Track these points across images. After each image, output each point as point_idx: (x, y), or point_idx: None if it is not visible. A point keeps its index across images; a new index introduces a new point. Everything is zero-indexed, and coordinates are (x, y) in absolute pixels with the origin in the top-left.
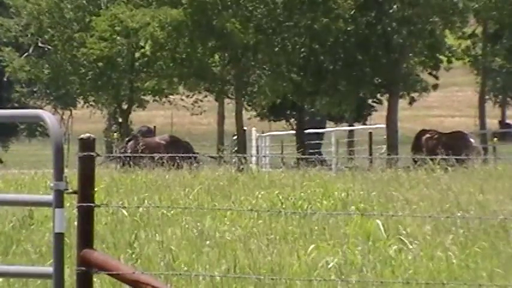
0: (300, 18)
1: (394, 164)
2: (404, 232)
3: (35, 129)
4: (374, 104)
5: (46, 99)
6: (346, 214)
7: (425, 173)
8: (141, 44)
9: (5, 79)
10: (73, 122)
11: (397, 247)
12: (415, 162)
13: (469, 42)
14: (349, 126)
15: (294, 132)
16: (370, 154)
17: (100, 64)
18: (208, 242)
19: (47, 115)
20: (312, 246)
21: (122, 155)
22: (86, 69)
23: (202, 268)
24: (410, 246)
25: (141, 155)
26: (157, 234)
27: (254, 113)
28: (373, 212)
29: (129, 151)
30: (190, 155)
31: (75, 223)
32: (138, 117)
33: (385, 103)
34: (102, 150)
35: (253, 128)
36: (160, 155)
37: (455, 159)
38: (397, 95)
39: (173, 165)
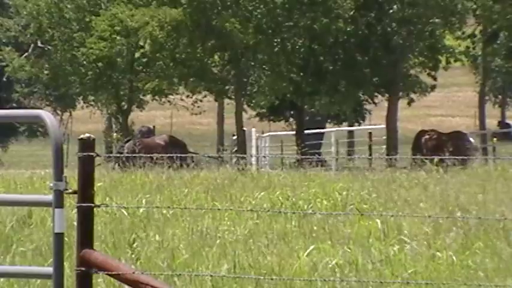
0: (299, 19)
1: (394, 164)
2: (404, 232)
3: (35, 129)
4: (371, 106)
5: (46, 99)
6: (346, 214)
7: (425, 173)
8: (141, 43)
9: (4, 79)
10: (73, 122)
11: (397, 247)
12: (415, 162)
13: (468, 42)
14: (349, 126)
15: (293, 132)
16: (370, 154)
17: (100, 64)
18: (208, 242)
19: (47, 115)
20: (312, 247)
21: (120, 155)
22: (86, 69)
23: (203, 268)
24: (410, 247)
25: (140, 155)
26: (157, 234)
27: (254, 113)
28: (373, 212)
29: (125, 151)
30: (188, 154)
31: (75, 223)
32: (138, 118)
33: (382, 104)
34: (101, 150)
35: (253, 128)
36: (159, 155)
37: (455, 159)
38: (396, 95)
39: (176, 164)
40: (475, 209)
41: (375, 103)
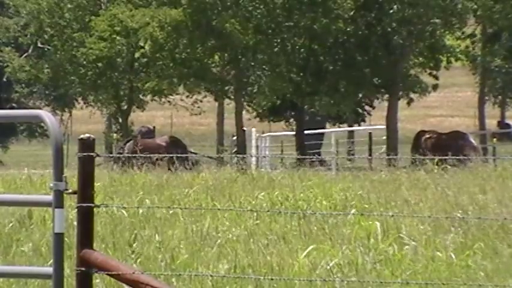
0: (299, 19)
1: (394, 164)
2: (404, 232)
3: (35, 129)
4: (369, 108)
5: (45, 99)
6: (346, 214)
7: (425, 173)
8: (141, 44)
9: (4, 79)
10: (73, 122)
11: (396, 247)
12: (414, 162)
13: (468, 42)
14: (349, 126)
15: (293, 132)
16: (370, 154)
17: (100, 64)
18: (208, 242)
19: (47, 115)
20: (311, 247)
21: (120, 155)
22: (86, 69)
23: (202, 268)
24: (410, 247)
25: (141, 155)
26: (157, 234)
27: (254, 114)
28: (373, 212)
29: (126, 152)
30: (189, 155)
31: (75, 223)
32: (138, 118)
33: (382, 104)
34: (101, 150)
35: (253, 129)
36: (160, 155)
37: (455, 159)
38: (396, 95)
39: (173, 165)
40: (474, 209)
41: (372, 107)
